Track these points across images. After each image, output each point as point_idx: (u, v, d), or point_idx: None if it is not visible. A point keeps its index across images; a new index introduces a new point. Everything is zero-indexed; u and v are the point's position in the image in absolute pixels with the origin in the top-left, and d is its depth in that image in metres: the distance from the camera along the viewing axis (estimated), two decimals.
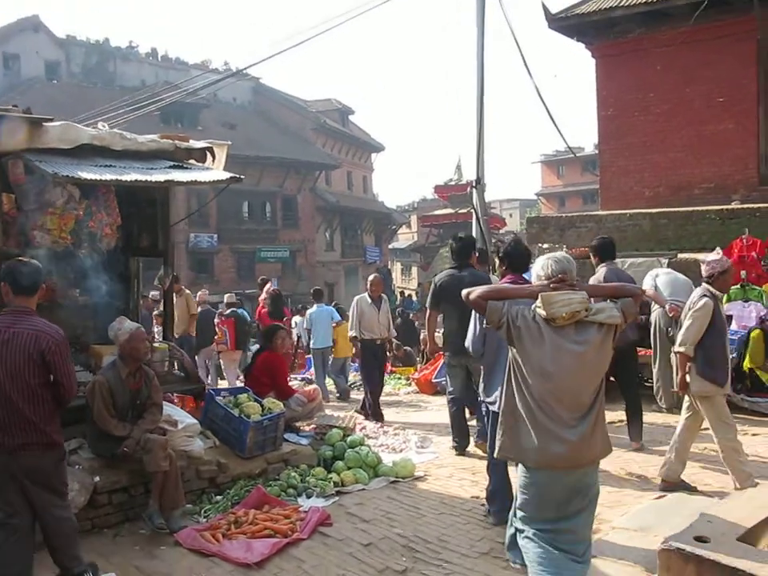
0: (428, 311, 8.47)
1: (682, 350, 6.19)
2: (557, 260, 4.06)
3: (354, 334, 10.60)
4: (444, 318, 7.99)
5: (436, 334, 9.67)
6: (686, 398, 6.38)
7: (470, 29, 13.37)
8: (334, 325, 13.23)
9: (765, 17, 12.35)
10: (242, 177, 7.51)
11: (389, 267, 53.31)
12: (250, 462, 6.78)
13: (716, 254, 7.14)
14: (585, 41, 14.87)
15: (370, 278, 11.35)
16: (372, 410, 10.20)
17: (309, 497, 6.43)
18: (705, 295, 6.21)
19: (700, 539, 4.41)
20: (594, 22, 14.26)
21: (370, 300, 10.58)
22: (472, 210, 14.04)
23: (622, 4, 13.86)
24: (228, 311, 13.61)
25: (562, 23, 14.58)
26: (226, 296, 14.85)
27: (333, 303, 16.81)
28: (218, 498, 6.31)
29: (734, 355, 9.70)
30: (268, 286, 15.22)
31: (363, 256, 48.36)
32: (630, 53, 14.19)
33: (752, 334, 9.60)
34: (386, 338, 10.63)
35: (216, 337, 13.05)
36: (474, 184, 13.49)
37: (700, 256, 11.27)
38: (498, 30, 50.33)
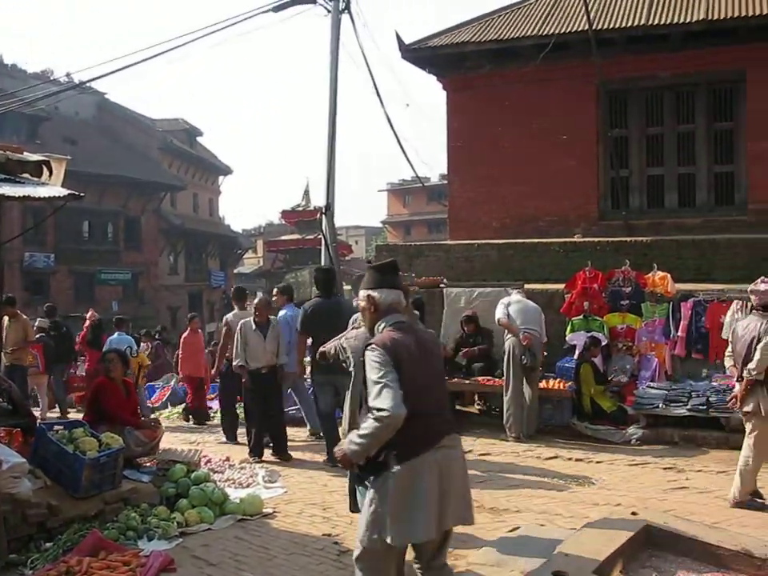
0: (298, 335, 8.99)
1: (756, 375, 6.50)
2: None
3: (240, 363, 9.28)
4: (313, 341, 8.40)
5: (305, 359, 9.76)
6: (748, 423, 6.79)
7: (324, 55, 13.22)
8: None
9: (602, 63, 12.98)
10: (81, 194, 7.15)
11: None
12: (85, 502, 6.19)
13: (763, 284, 7.13)
14: (436, 73, 15.12)
15: (255, 300, 10.04)
16: (251, 446, 9.23)
17: (150, 539, 5.98)
18: None
19: (558, 574, 4.43)
20: (445, 56, 14.53)
21: (254, 325, 9.25)
22: (320, 236, 13.92)
23: (473, 39, 14.18)
24: (38, 335, 13.10)
25: (415, 54, 14.77)
26: (38, 320, 14.15)
27: (160, 328, 16.50)
28: (48, 545, 5.66)
29: (572, 384, 10.07)
30: (90, 313, 15.20)
31: (208, 280, 47.37)
32: (480, 87, 14.54)
33: (582, 368, 10.03)
34: (272, 365, 9.19)
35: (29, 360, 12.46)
36: (323, 210, 13.41)
37: (545, 286, 11.64)
38: (353, 56, 50.90)
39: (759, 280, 7.16)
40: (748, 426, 6.81)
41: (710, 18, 12.68)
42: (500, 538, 5.75)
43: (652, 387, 10.09)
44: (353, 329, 6.58)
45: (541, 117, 14.01)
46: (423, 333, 4.17)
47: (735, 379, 7.07)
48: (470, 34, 14.42)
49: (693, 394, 9.63)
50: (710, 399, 9.40)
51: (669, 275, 10.77)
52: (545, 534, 5.76)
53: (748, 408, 6.69)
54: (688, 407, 9.43)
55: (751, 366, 6.55)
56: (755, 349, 6.57)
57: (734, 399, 7.00)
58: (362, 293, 4.09)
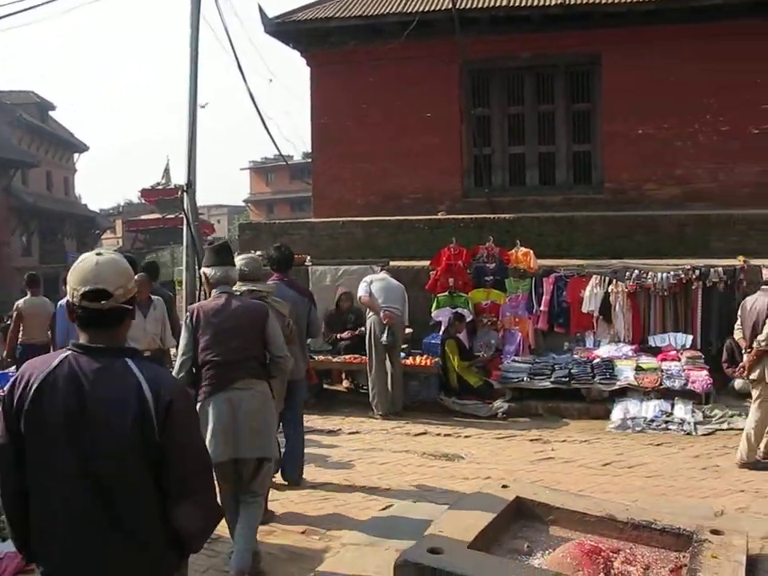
0: None
1: (765, 346, 7.05)
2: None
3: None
4: None
5: None
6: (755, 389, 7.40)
7: (185, 29, 12.65)
8: None
9: (465, 42, 13.10)
10: None
11: None
12: None
13: None
14: (300, 48, 14.84)
15: (136, 276, 9.39)
16: None
17: (4, 540, 5.57)
18: None
19: (434, 551, 4.41)
20: (309, 31, 14.28)
21: None
22: (182, 215, 13.44)
23: (337, 15, 14.00)
24: None
25: (279, 29, 14.44)
26: None
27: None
28: None
29: (438, 360, 10.17)
30: None
31: (65, 262, 45.18)
32: (344, 63, 14.38)
33: (446, 343, 10.13)
34: (156, 348, 8.18)
35: None
36: (184, 188, 12.95)
37: (411, 263, 11.69)
38: (216, 31, 49.51)
39: None
40: (754, 393, 7.39)
41: (566, 2, 13.01)
42: (373, 516, 5.71)
43: (516, 361, 10.34)
44: None
45: (405, 94, 14.00)
46: (243, 300, 5.14)
47: (744, 350, 7.67)
48: (335, 10, 14.22)
49: (555, 366, 9.95)
50: (572, 371, 9.74)
51: (531, 251, 11.04)
52: (418, 510, 5.74)
53: (754, 376, 7.26)
54: (551, 380, 9.72)
55: (761, 337, 7.11)
56: (764, 322, 7.18)
57: (741, 368, 7.60)
58: (201, 270, 5.26)
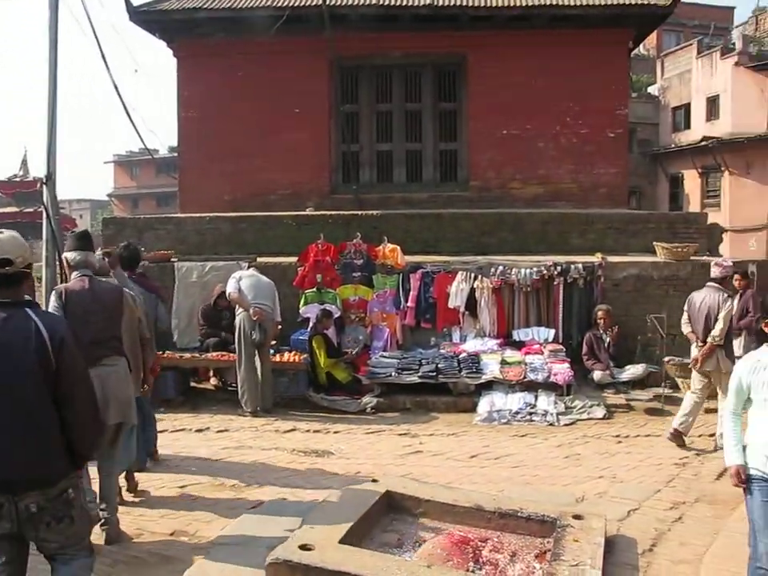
0: None
1: (719, 341, 7.72)
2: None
3: None
4: None
5: None
6: (696, 375, 8.04)
7: (43, 13, 12.04)
8: None
9: (335, 38, 13.10)
10: None
11: None
12: None
13: (725, 260, 8.59)
14: (167, 38, 14.42)
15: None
16: None
17: None
18: (729, 296, 8.00)
19: (305, 547, 4.36)
20: (176, 21, 13.87)
21: None
22: (41, 209, 12.81)
23: (205, 6, 13.69)
24: None
25: (144, 17, 13.97)
26: None
27: None
28: None
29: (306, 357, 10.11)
30: None
31: None
32: (213, 56, 14.07)
33: (313, 340, 10.09)
34: None
35: None
36: (44, 180, 12.34)
37: (278, 259, 11.57)
38: (77, 16, 47.53)
39: (721, 259, 9.30)
40: (700, 382, 8.01)
41: (435, 3, 13.22)
42: (244, 515, 5.59)
43: (384, 357, 10.41)
44: None
45: (274, 89, 13.86)
46: (102, 283, 5.48)
47: (695, 344, 8.02)
48: (203, 0, 13.91)
49: (423, 361, 10.07)
50: (439, 366, 9.88)
51: (398, 248, 11.14)
52: (289, 507, 5.69)
53: (708, 368, 7.80)
54: (419, 374, 9.83)
55: (714, 332, 7.70)
56: (716, 318, 7.73)
57: (694, 361, 7.96)
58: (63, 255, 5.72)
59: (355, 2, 13.44)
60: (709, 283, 8.13)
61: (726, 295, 7.97)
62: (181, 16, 13.75)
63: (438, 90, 14.29)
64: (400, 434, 8.63)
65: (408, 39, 13.61)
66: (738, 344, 10.16)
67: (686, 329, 8.26)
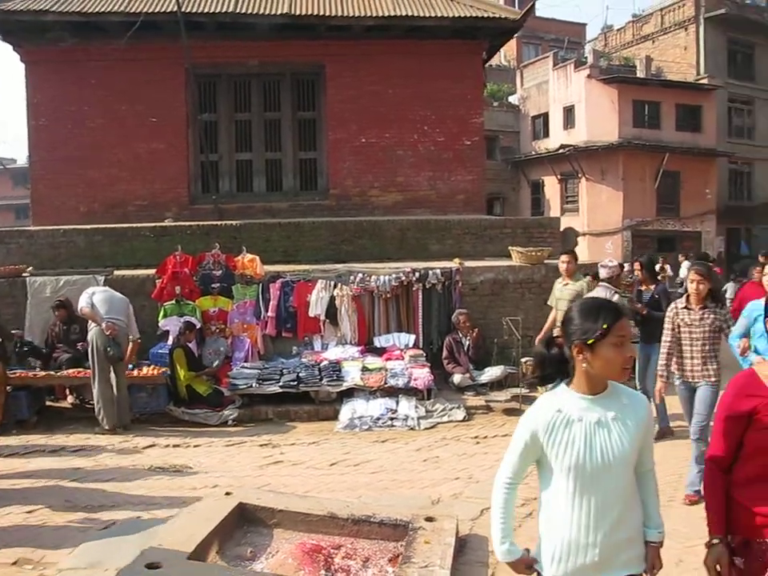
0: None
1: None
2: None
3: None
4: None
5: None
6: None
7: None
8: None
9: (191, 46, 12.90)
10: None
11: None
12: None
13: (611, 261, 9.49)
14: (13, 42, 13.82)
15: None
16: None
17: None
18: (616, 292, 8.57)
19: (152, 566, 4.26)
20: (22, 23, 13.27)
21: None
22: None
23: (54, 9, 13.15)
24: None
25: None
26: None
27: None
28: None
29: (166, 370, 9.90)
30: None
31: None
32: (64, 62, 13.58)
33: (174, 353, 9.89)
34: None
35: None
36: None
37: (136, 272, 11.29)
38: None
39: (607, 259, 9.85)
40: None
41: (292, 12, 13.21)
42: (94, 537, 5.41)
43: (246, 367, 10.29)
44: None
45: (129, 97, 13.55)
46: None
47: None
48: (52, 3, 13.36)
49: (284, 371, 10.03)
50: (300, 375, 9.86)
51: (257, 257, 11.05)
52: (142, 526, 5.52)
53: None
54: (280, 384, 9.77)
55: None
56: None
57: None
58: None
59: (211, 10, 13.26)
60: (600, 283, 8.87)
61: (613, 291, 8.60)
62: (27, 18, 13.15)
63: (297, 99, 14.31)
64: (261, 445, 8.55)
65: (266, 48, 13.57)
66: None
67: None
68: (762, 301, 5.97)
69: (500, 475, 2.86)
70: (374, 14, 13.46)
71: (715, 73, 31.97)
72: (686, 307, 6.50)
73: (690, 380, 6.48)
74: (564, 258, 9.30)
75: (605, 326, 2.62)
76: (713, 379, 6.35)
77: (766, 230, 34.17)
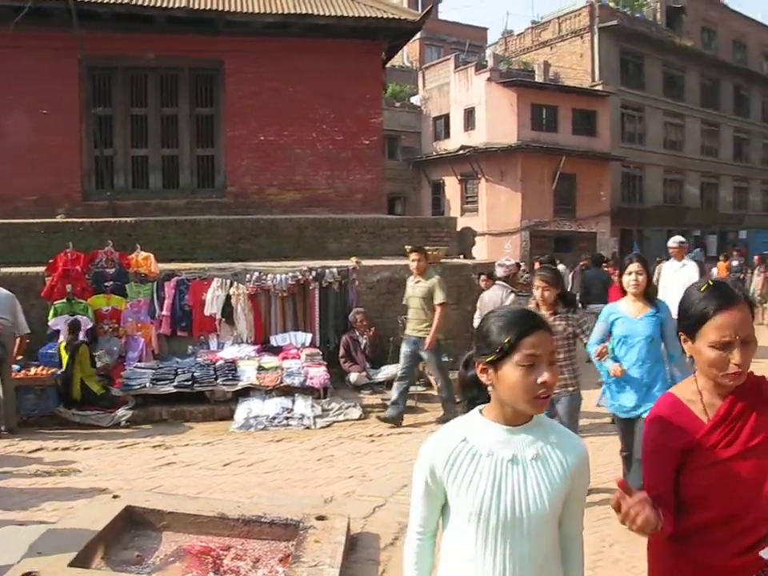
0: None
1: None
2: None
3: None
4: None
5: None
6: None
7: None
8: None
9: (84, 36, 12.55)
10: None
11: None
12: None
13: (508, 260, 9.81)
14: None
15: None
16: None
17: None
18: (512, 291, 8.93)
19: (29, 575, 4.15)
20: None
21: None
22: None
23: None
24: None
25: None
26: None
27: None
28: None
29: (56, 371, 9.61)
30: None
31: None
32: None
33: (80, 349, 9.62)
34: None
35: None
36: None
37: (25, 270, 10.91)
38: None
39: (504, 258, 10.20)
40: None
41: (190, 6, 13.01)
42: None
43: (139, 367, 10.07)
44: None
45: (18, 88, 13.04)
46: None
47: None
48: None
49: (179, 370, 9.85)
50: (195, 375, 9.72)
51: (152, 255, 10.83)
52: (23, 533, 5.35)
53: None
54: (174, 384, 9.61)
55: None
56: None
57: None
58: None
59: (105, 0, 12.92)
60: (497, 282, 9.14)
61: (509, 290, 8.94)
62: None
63: (195, 95, 14.06)
64: (154, 447, 8.40)
65: (163, 41, 13.32)
66: None
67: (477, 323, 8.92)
68: (620, 303, 5.80)
69: (410, 525, 2.34)
70: (274, 11, 13.37)
71: (609, 80, 33.06)
72: None
73: None
74: (413, 255, 9.11)
75: (507, 341, 2.09)
76: (570, 388, 6.12)
77: (657, 232, 35.56)
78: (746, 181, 42.44)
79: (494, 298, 8.87)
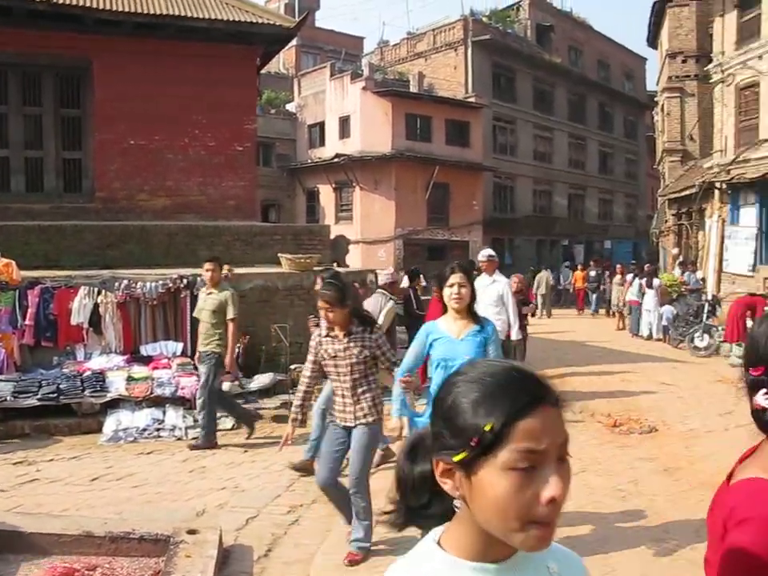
0: None
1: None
2: None
3: None
4: None
5: None
6: None
7: None
8: None
9: None
10: None
11: None
12: None
13: (389, 269, 10.32)
14: None
15: None
16: None
17: None
18: (391, 299, 9.12)
19: None
20: None
21: None
22: None
23: None
24: None
25: None
26: None
27: None
28: None
29: None
30: None
31: None
32: None
33: None
34: None
35: None
36: None
37: None
38: None
39: (386, 269, 10.48)
40: None
41: (54, 0, 12.49)
42: None
43: (0, 380, 9.60)
44: None
45: None
46: None
47: None
48: None
49: (44, 382, 9.43)
50: (61, 386, 9.33)
51: (13, 262, 10.29)
52: None
53: None
54: (38, 396, 9.18)
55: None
56: (378, 316, 8.31)
57: None
58: None
59: None
60: (378, 290, 9.30)
61: (388, 298, 9.07)
62: None
63: (61, 95, 13.47)
64: (15, 463, 7.98)
65: (25, 36, 12.63)
66: None
67: None
68: (440, 322, 5.04)
69: None
70: (145, 11, 13.02)
71: (482, 92, 33.89)
72: (328, 335, 5.42)
73: (343, 422, 5.40)
74: (207, 265, 8.68)
75: (490, 427, 1.23)
76: (370, 418, 5.34)
77: (527, 241, 36.79)
78: (611, 193, 44.50)
79: (373, 305, 8.87)
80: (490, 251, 10.35)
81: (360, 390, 5.34)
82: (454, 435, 1.27)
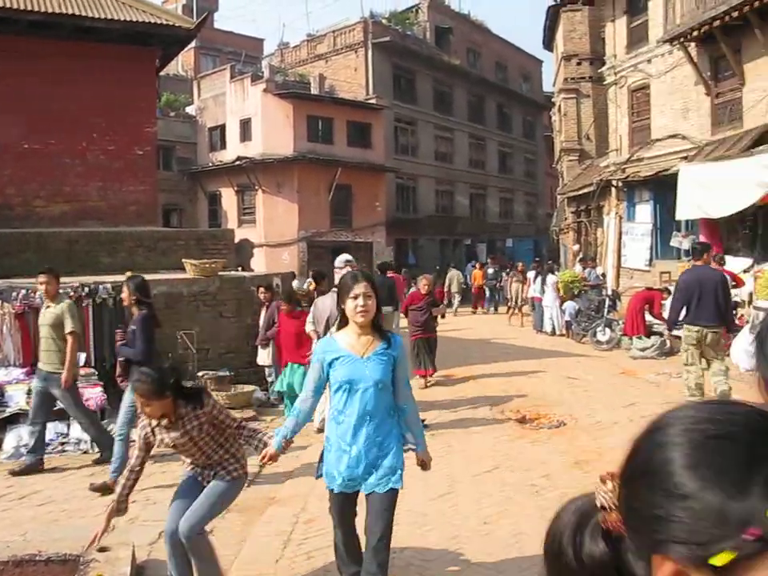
0: None
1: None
2: None
3: None
4: None
5: None
6: None
7: None
8: None
9: None
10: None
11: None
12: None
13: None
14: None
15: None
16: None
17: None
18: None
19: None
20: None
21: None
22: None
23: None
24: None
25: None
26: None
27: None
28: None
29: None
30: None
31: None
32: None
33: None
34: None
35: None
36: None
37: None
38: None
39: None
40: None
41: None
42: None
43: None
44: None
45: None
46: None
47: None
48: None
49: None
50: None
51: None
52: None
53: None
54: None
55: (333, 329, 7.64)
56: (336, 317, 8.25)
57: None
58: None
59: None
60: (333, 289, 8.89)
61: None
62: None
63: None
64: None
65: None
66: (266, 354, 10.78)
67: (308, 327, 9.02)
68: (339, 337, 4.46)
69: None
70: (39, 9, 12.60)
71: (383, 94, 34.04)
72: (159, 425, 4.71)
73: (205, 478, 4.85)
74: (41, 278, 8.13)
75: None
76: (234, 474, 4.79)
77: (431, 241, 37.18)
78: (511, 192, 45.43)
79: (328, 304, 8.57)
80: (346, 256, 9.32)
81: (217, 457, 4.80)
82: (716, 526, 0.78)
